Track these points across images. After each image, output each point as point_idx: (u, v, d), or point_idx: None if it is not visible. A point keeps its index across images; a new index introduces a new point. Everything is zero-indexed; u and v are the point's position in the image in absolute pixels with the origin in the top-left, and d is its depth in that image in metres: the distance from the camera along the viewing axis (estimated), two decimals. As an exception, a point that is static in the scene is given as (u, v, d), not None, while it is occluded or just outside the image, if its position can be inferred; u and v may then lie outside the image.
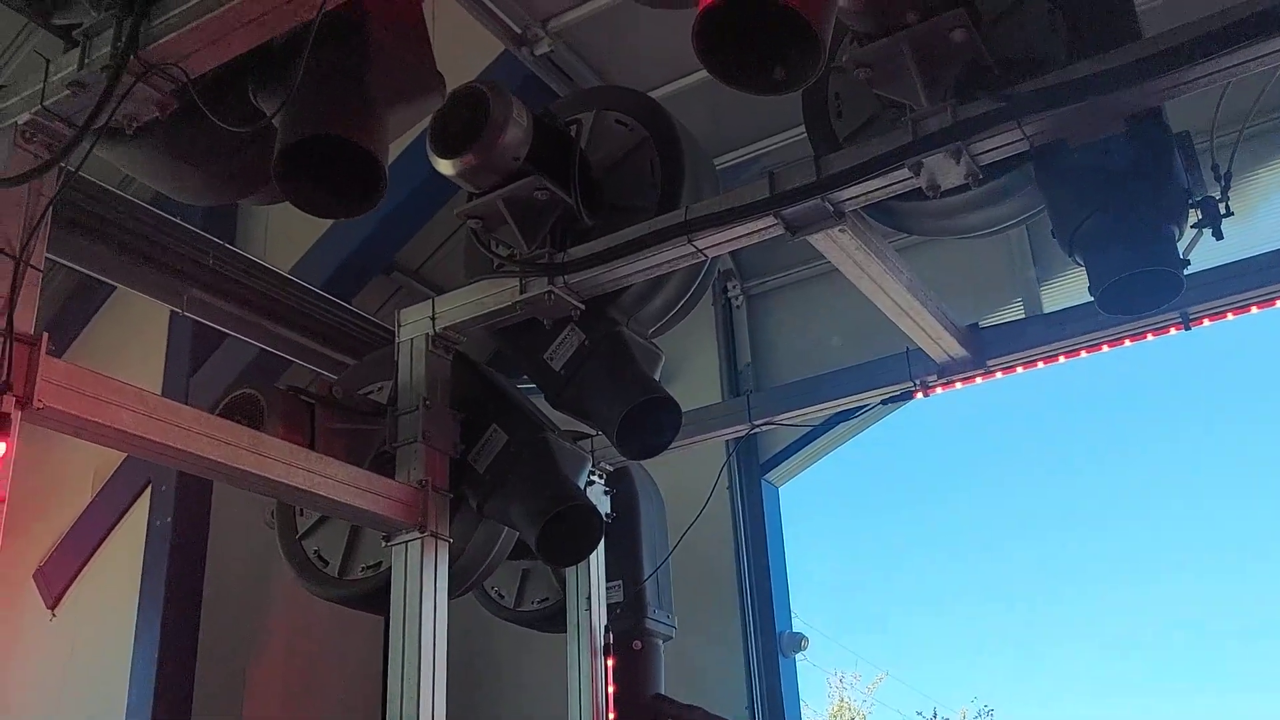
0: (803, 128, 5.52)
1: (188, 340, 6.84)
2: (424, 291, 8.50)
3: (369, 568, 5.10)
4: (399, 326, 5.32)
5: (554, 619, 6.62)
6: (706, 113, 7.03)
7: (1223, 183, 4.38)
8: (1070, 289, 7.57)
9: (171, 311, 6.21)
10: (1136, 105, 3.99)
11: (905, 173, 4.27)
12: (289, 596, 7.69)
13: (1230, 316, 5.08)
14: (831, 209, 4.47)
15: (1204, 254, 4.49)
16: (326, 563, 5.18)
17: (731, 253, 8.54)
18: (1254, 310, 5.05)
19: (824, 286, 8.74)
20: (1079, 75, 3.94)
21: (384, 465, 4.96)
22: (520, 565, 6.74)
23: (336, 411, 4.94)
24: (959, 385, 5.77)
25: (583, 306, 5.12)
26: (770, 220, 4.58)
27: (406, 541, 4.71)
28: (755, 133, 7.82)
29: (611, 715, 6.12)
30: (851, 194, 4.43)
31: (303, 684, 8.00)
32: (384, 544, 4.79)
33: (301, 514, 5.27)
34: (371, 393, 5.36)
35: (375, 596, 4.97)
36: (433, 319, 5.24)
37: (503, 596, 6.83)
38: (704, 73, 6.87)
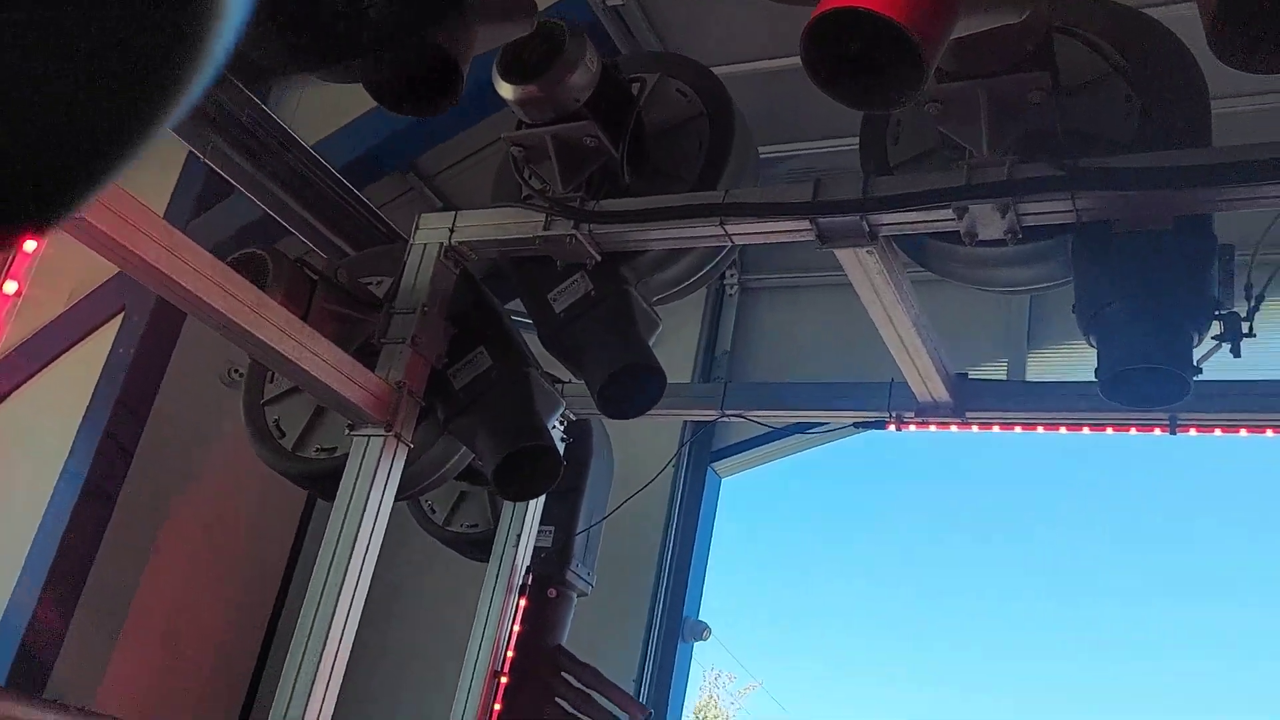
0: (844, 140, 5.55)
1: (197, 186, 6.75)
2: (434, 199, 8.45)
3: (324, 450, 5.12)
4: (416, 230, 5.30)
5: (477, 545, 6.69)
6: (751, 100, 7.05)
7: (1252, 302, 4.46)
8: (1053, 364, 7.72)
9: (190, 153, 6.12)
10: (1191, 208, 4.08)
11: (949, 214, 4.33)
12: (225, 461, 7.67)
13: (1218, 433, 5.18)
14: (868, 229, 4.53)
15: (1212, 368, 4.58)
16: (284, 434, 5.18)
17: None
18: (1242, 433, 5.15)
19: (816, 297, 8.82)
20: (1143, 165, 4.02)
21: (365, 357, 4.95)
22: (459, 486, 6.79)
23: (335, 293, 4.92)
24: (932, 428, 5.86)
25: (599, 258, 5.14)
26: (805, 224, 4.63)
27: (369, 435, 4.72)
28: (794, 133, 7.85)
29: (509, 654, 6.20)
30: (891, 220, 4.49)
31: (213, 546, 7.99)
32: (346, 432, 4.80)
33: (271, 380, 5.26)
34: (371, 285, 5.34)
35: (322, 479, 4.99)
36: (451, 230, 5.22)
37: (435, 512, 6.89)
38: (760, 63, 7.09)
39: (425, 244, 5.20)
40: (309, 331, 4.27)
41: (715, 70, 5.69)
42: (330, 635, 4.40)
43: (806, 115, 7.40)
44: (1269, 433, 5.11)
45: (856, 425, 6.28)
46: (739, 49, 7.15)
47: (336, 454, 5.06)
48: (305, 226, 6.29)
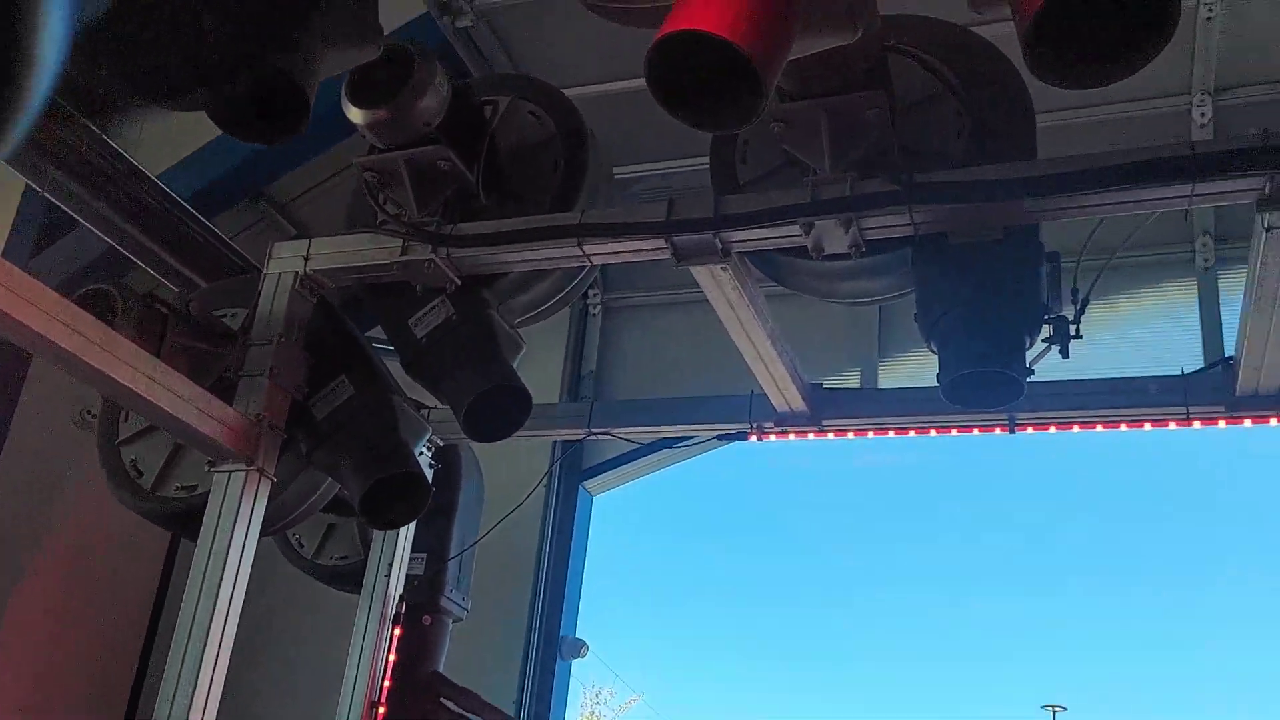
0: (691, 160, 5.66)
1: (37, 221, 6.47)
2: (286, 226, 8.29)
3: (184, 488, 4.98)
4: (269, 259, 5.20)
5: (348, 577, 6.59)
6: (603, 122, 7.17)
7: (1078, 306, 4.73)
8: (903, 370, 8.05)
9: (28, 187, 5.87)
10: (1018, 218, 4.32)
11: (796, 230, 4.49)
12: (80, 507, 7.35)
13: (1053, 430, 5.50)
14: (720, 246, 4.65)
15: (1044, 369, 4.86)
16: (141, 474, 5.03)
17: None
18: (1075, 429, 5.48)
19: (678, 315, 8.99)
20: (973, 179, 4.24)
21: (222, 392, 4.84)
22: (327, 518, 6.67)
23: (188, 327, 4.79)
24: (791, 437, 6.05)
25: (459, 282, 5.14)
26: (661, 243, 4.73)
27: (230, 471, 4.62)
28: (646, 154, 8.00)
29: (387, 682, 6.12)
30: (742, 237, 4.62)
31: (71, 599, 7.64)
32: (207, 469, 4.68)
33: (126, 419, 5.09)
34: (225, 317, 5.22)
35: (184, 518, 4.85)
36: (306, 259, 5.15)
37: (303, 545, 6.75)
38: (609, 85, 7.21)
39: (279, 273, 5.11)
40: (162, 368, 4.15)
41: (568, 92, 5.78)
42: (200, 677, 4.29)
43: (658, 136, 7.55)
44: (1099, 428, 5.45)
45: (720, 437, 6.42)
46: (591, 71, 7.27)
47: (197, 492, 4.92)
48: (153, 259, 6.10)
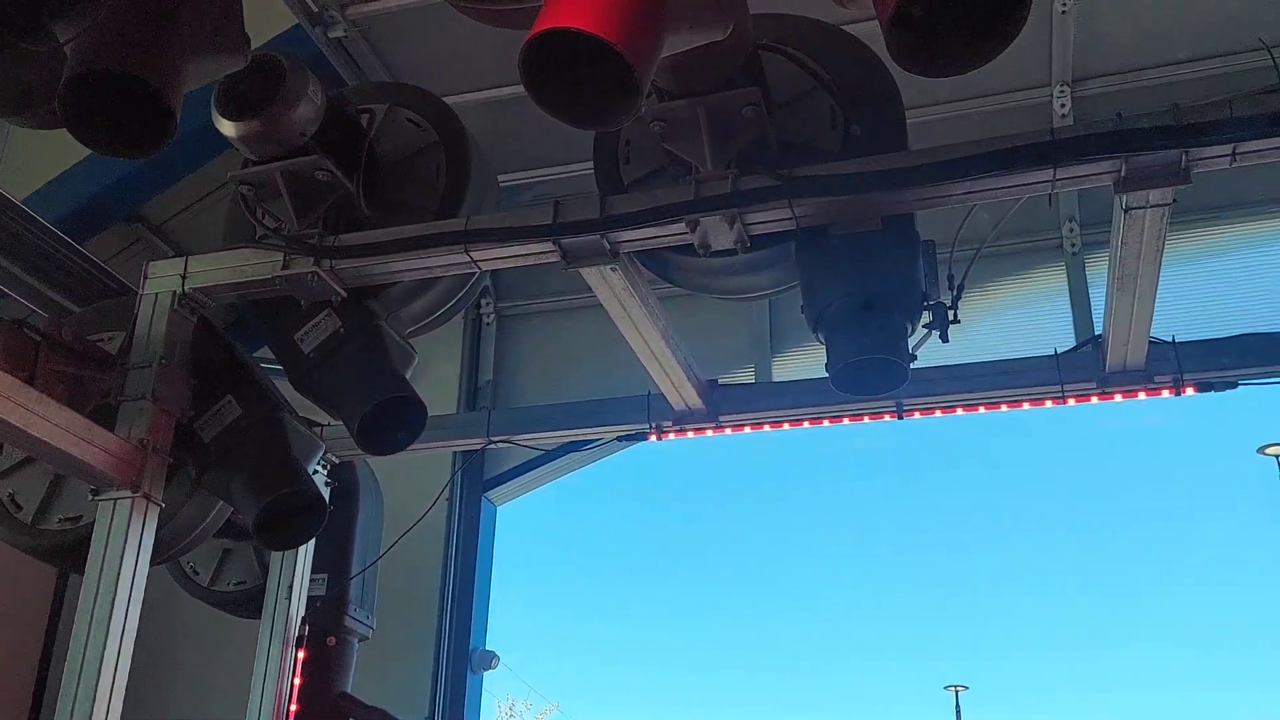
0: (578, 165, 5.67)
1: (-109, 250, 6.16)
2: (164, 248, 8.04)
3: (67, 520, 4.81)
4: (145, 279, 5.05)
5: (247, 602, 6.44)
6: (487, 130, 7.16)
7: (955, 293, 4.89)
8: (796, 364, 8.19)
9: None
10: (893, 208, 4.44)
11: (682, 227, 4.54)
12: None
13: (938, 413, 5.67)
14: (608, 247, 4.67)
15: (926, 355, 5.00)
16: (20, 508, 4.84)
17: (492, 272, 8.72)
18: (959, 411, 5.66)
19: (574, 320, 8.99)
20: (850, 171, 4.34)
21: (103, 418, 4.68)
22: (222, 544, 6.51)
23: (63, 353, 4.62)
24: (691, 434, 6.11)
25: (344, 294, 5.07)
26: (548, 246, 4.72)
27: (115, 499, 4.47)
28: (533, 160, 8.00)
29: (293, 707, 5.99)
30: (630, 237, 4.65)
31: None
32: (90, 498, 4.52)
33: (1, 452, 4.88)
34: (102, 341, 5.05)
35: (68, 551, 4.69)
36: (184, 277, 5.02)
37: (198, 573, 6.58)
38: (493, 91, 7.19)
39: (156, 293, 4.97)
40: (36, 396, 4.00)
41: (449, 100, 5.75)
42: (94, 715, 4.14)
43: (544, 142, 7.57)
44: (981, 409, 5.65)
45: (620, 439, 6.44)
46: (472, 78, 7.23)
47: (82, 523, 4.76)
48: (21, 286, 5.86)
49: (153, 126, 3.71)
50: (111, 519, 4.43)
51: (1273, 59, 5.27)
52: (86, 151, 3.73)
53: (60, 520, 4.84)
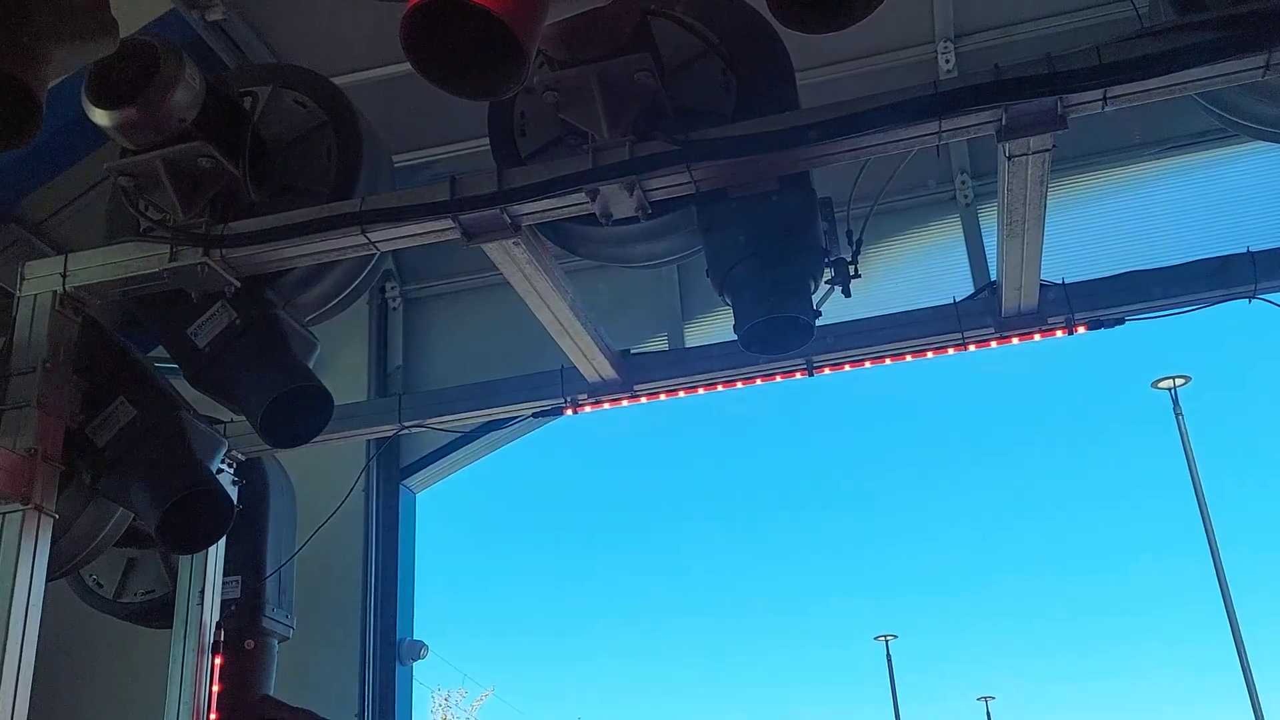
0: (476, 141, 5.57)
1: None
2: (42, 249, 7.67)
3: (-49, 541, 4.54)
4: (21, 280, 4.85)
5: (159, 613, 6.22)
6: (380, 111, 6.98)
7: (854, 248, 4.96)
8: (708, 329, 8.20)
9: None
10: (788, 167, 4.46)
11: (582, 197, 4.48)
12: None
13: (847, 368, 5.75)
14: (509, 221, 4.60)
15: (832, 311, 5.05)
16: (-101, 533, 4.56)
17: (394, 254, 8.54)
18: (866, 364, 5.74)
19: (483, 299, 8.85)
20: (744, 133, 4.34)
21: (-15, 429, 4.47)
22: (125, 553, 6.29)
23: (-68, 365, 4.39)
24: (606, 405, 6.07)
25: (238, 284, 4.90)
26: (448, 223, 4.63)
27: (5, 513, 4.29)
28: (429, 138, 7.83)
29: (213, 716, 5.83)
30: (530, 209, 4.58)
31: None
32: (-25, 515, 4.30)
33: None
34: (-23, 349, 4.80)
35: None
36: (63, 276, 4.82)
37: (101, 585, 6.34)
38: (382, 69, 7.02)
39: (35, 294, 4.77)
40: (-97, 410, 3.78)
41: (337, 80, 5.57)
42: (-6, 742, 3.97)
43: (437, 119, 7.41)
44: (888, 361, 5.75)
45: (536, 415, 6.37)
46: (358, 57, 7.03)
47: None
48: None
49: (18, 118, 3.51)
50: (1, 535, 4.24)
51: (1134, 8, 5.46)
52: (-52, 150, 3.50)
53: (-56, 540, 4.59)
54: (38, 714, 4.23)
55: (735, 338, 4.79)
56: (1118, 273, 5.59)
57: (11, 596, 4.18)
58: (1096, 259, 5.79)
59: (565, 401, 6.15)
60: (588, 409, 6.17)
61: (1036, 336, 5.56)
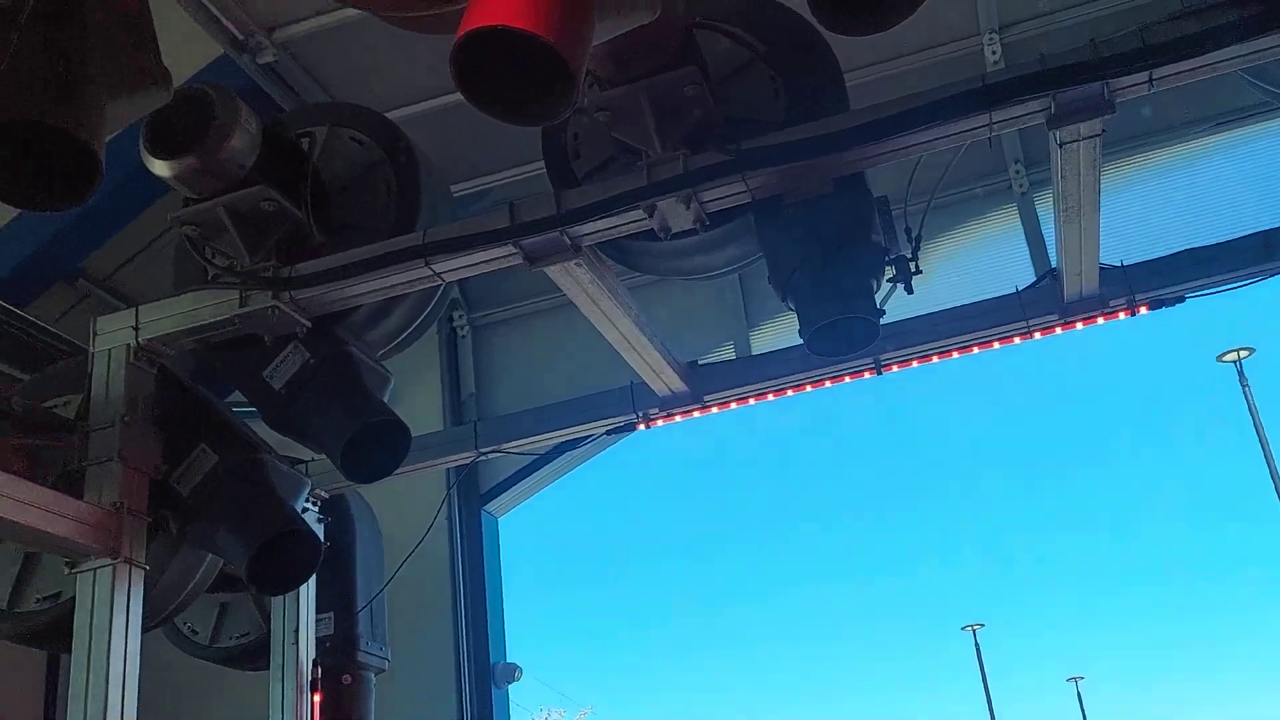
0: (532, 164, 5.58)
1: None
2: (112, 303, 7.85)
3: (46, 598, 4.66)
4: (94, 336, 4.93)
5: (256, 655, 6.28)
6: (436, 140, 7.04)
7: (913, 244, 4.90)
8: (773, 335, 8.14)
9: None
10: (843, 169, 4.42)
11: (640, 213, 4.45)
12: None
13: (915, 364, 5.69)
14: (569, 242, 4.58)
15: (896, 308, 5.00)
16: (-7, 595, 4.67)
17: (460, 283, 8.60)
18: (934, 359, 5.68)
19: (549, 321, 8.89)
20: (796, 138, 4.31)
21: (69, 485, 4.54)
22: (217, 599, 6.35)
23: (14, 426, 4.48)
24: (678, 418, 6.03)
25: (309, 324, 4.94)
26: (509, 249, 4.63)
27: (96, 569, 4.34)
28: (485, 166, 7.89)
29: (317, 752, 5.88)
30: (589, 230, 4.56)
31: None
32: (68, 571, 4.38)
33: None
34: (56, 406, 4.90)
35: (53, 631, 4.54)
36: (136, 329, 4.89)
37: (196, 633, 6.41)
38: (435, 100, 7.08)
39: (109, 349, 4.84)
40: (-8, 474, 3.86)
41: (390, 114, 5.61)
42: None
43: (492, 146, 7.45)
44: (955, 354, 5.68)
45: (609, 432, 6.35)
46: (410, 90, 7.11)
47: (63, 599, 4.61)
48: (-39, 363, 5.68)
49: (78, 175, 3.57)
50: (93, 590, 4.31)
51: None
52: (15, 211, 3.58)
53: (39, 599, 4.69)
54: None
55: (801, 342, 4.72)
56: (1175, 251, 5.54)
57: (109, 650, 4.23)
58: (1152, 239, 5.77)
59: (637, 416, 6.13)
60: (659, 423, 6.14)
61: (1100, 320, 5.52)
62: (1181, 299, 5.48)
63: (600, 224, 4.54)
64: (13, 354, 5.65)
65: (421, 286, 5.02)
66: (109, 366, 4.80)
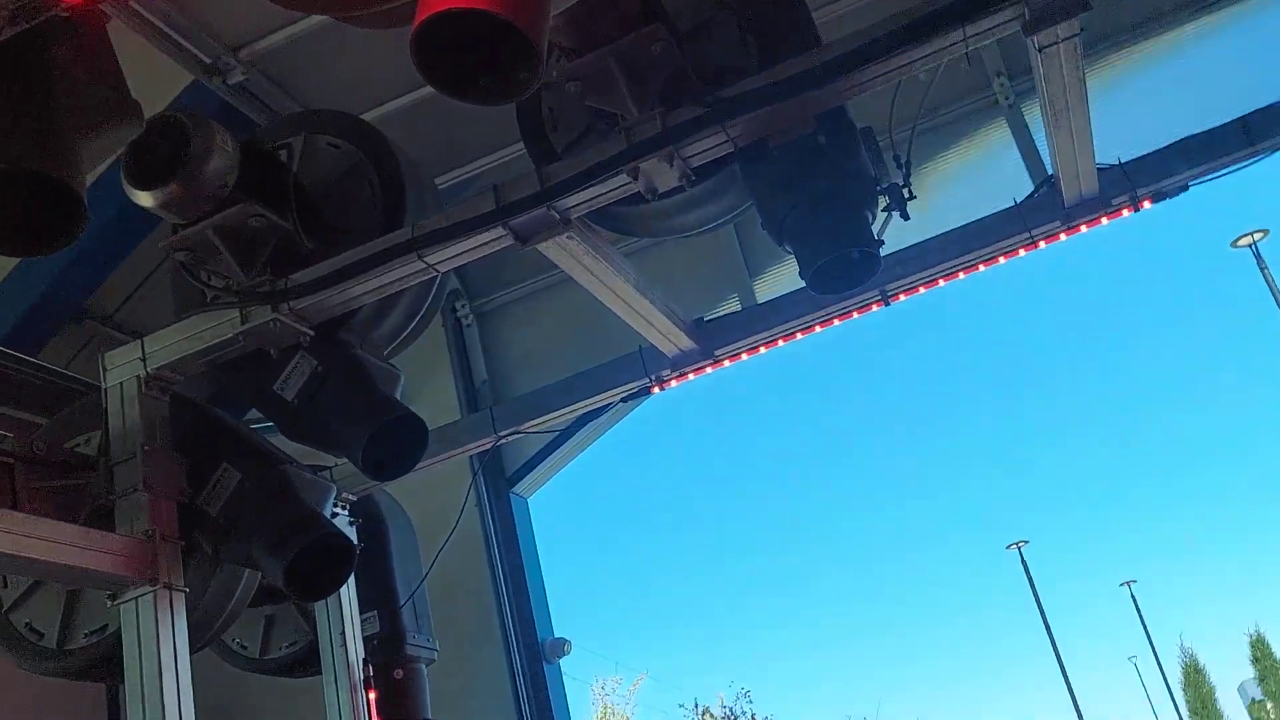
0: (513, 146, 5.55)
1: None
2: (120, 339, 7.90)
3: (93, 633, 4.72)
4: (104, 371, 4.96)
5: (306, 663, 6.35)
6: (415, 135, 7.01)
7: (904, 170, 4.84)
8: (776, 282, 8.12)
9: None
10: (821, 105, 4.36)
11: (624, 178, 4.43)
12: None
13: (921, 290, 5.60)
14: (558, 217, 4.57)
15: (895, 238, 4.96)
16: (42, 635, 4.74)
17: (458, 272, 8.60)
18: (940, 283, 5.59)
19: (552, 299, 8.91)
20: (769, 81, 4.25)
21: (101, 520, 4.59)
22: (262, 612, 6.42)
23: (40, 469, 4.53)
24: (691, 376, 6.03)
25: (312, 333, 4.96)
26: (499, 231, 4.62)
27: (136, 598, 4.39)
28: (467, 155, 7.85)
29: (379, 748, 5.96)
30: (575, 201, 4.54)
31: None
32: (110, 604, 4.44)
33: (5, 584, 4.79)
34: (79, 445, 4.95)
35: (103, 664, 4.60)
36: (143, 360, 4.92)
37: (245, 647, 6.47)
38: (408, 96, 7.06)
39: (121, 382, 4.88)
40: (20, 518, 3.91)
41: (365, 116, 5.60)
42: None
43: (470, 134, 7.42)
44: (961, 275, 5.59)
45: (624, 400, 6.36)
46: (382, 90, 7.06)
47: (109, 631, 4.67)
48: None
49: (65, 216, 3.59)
50: (138, 619, 4.36)
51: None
52: (13, 261, 3.61)
53: (86, 635, 4.76)
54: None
55: (804, 284, 4.71)
56: (1173, 141, 5.43)
57: (160, 674, 4.28)
58: (1150, 134, 5.62)
59: (650, 380, 6.12)
60: (673, 383, 6.14)
61: (1104, 220, 5.42)
62: (1185, 187, 5.37)
63: (586, 194, 4.52)
64: (31, 400, 5.68)
65: (417, 280, 5.02)
66: (122, 399, 4.83)
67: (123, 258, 7.06)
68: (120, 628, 4.40)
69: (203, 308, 4.96)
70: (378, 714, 6.05)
